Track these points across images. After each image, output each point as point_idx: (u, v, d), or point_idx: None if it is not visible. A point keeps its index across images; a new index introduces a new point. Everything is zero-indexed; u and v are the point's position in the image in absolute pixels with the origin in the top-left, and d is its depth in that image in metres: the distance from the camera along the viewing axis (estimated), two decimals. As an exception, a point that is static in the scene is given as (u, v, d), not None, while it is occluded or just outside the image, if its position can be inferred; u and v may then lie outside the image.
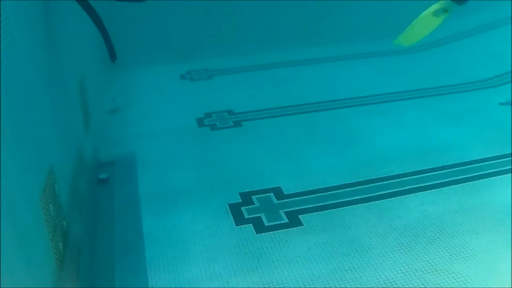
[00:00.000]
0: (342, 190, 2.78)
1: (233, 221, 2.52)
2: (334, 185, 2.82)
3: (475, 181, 2.82)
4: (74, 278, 1.92)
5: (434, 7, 2.71)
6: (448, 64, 4.60)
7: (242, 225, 2.49)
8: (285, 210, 2.60)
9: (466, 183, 2.81)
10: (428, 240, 2.35)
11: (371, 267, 2.19)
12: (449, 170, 2.95)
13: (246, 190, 2.78)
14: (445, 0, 2.68)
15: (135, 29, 4.52)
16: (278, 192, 2.76)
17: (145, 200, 2.72)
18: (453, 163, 3.01)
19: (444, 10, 2.64)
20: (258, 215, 2.57)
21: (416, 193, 2.73)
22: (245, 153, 3.21)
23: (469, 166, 2.99)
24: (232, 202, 2.68)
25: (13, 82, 1.51)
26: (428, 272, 2.15)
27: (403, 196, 2.70)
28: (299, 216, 2.55)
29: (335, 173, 2.93)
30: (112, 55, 2.39)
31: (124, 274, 2.19)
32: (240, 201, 2.69)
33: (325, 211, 2.59)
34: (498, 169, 2.93)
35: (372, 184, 2.82)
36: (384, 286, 2.08)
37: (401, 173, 2.92)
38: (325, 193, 2.75)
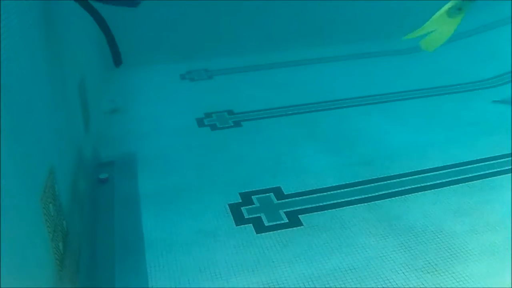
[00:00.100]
0: (342, 190, 2.78)
1: (233, 221, 2.52)
2: (334, 185, 2.82)
3: (475, 181, 2.82)
4: (74, 278, 1.92)
5: (447, 6, 2.60)
6: (448, 64, 4.60)
7: (242, 225, 2.49)
8: (285, 210, 2.60)
9: (466, 183, 2.81)
10: (428, 240, 2.35)
11: (371, 267, 2.19)
12: (449, 170, 2.95)
13: (246, 190, 2.78)
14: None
15: (135, 29, 4.52)
16: (278, 192, 2.76)
17: (145, 200, 2.72)
18: (453, 163, 3.01)
19: (458, 9, 2.55)
20: (258, 215, 2.57)
21: (416, 193, 2.72)
22: (245, 153, 3.21)
23: (469, 166, 2.99)
24: (232, 202, 2.68)
25: (13, 82, 1.51)
26: (428, 272, 2.15)
27: (403, 196, 2.70)
28: (299, 216, 2.55)
29: (335, 173, 2.93)
30: (117, 60, 2.35)
31: (124, 274, 2.19)
32: (240, 201, 2.69)
33: (325, 211, 2.59)
34: (498, 169, 2.93)
35: (372, 184, 2.82)
36: (384, 286, 2.08)
37: (401, 173, 2.92)
38: (325, 193, 2.75)
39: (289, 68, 4.73)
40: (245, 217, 2.56)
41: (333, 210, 2.60)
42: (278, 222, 2.51)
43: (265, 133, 3.49)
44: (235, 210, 2.62)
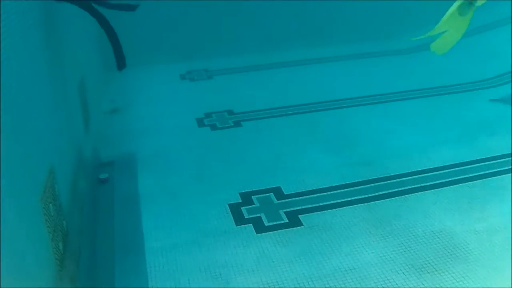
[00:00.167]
0: (342, 190, 2.78)
1: (233, 221, 2.52)
2: (334, 185, 2.82)
3: (475, 181, 2.82)
4: (74, 278, 1.92)
5: (456, 5, 2.51)
6: (448, 64, 4.59)
7: (242, 225, 2.49)
8: (285, 210, 2.60)
9: (466, 183, 2.81)
10: (428, 240, 2.35)
11: (371, 267, 2.19)
12: (449, 170, 2.95)
13: (246, 190, 2.78)
14: None
15: (134, 29, 4.51)
16: (278, 192, 2.76)
17: (145, 200, 2.72)
18: (453, 163, 3.01)
19: (469, 4, 2.46)
20: (258, 215, 2.57)
21: (416, 193, 2.72)
22: (245, 153, 3.21)
23: (469, 166, 2.99)
24: (232, 202, 2.68)
25: (13, 82, 1.51)
26: (428, 272, 2.15)
27: (403, 196, 2.70)
28: (299, 216, 2.55)
29: (335, 173, 2.93)
30: (121, 64, 2.34)
31: (124, 274, 2.19)
32: (240, 201, 2.69)
33: (325, 211, 2.59)
34: (498, 169, 2.93)
35: (372, 184, 2.82)
36: (384, 286, 2.08)
37: (401, 173, 2.92)
38: (325, 193, 2.75)
39: (289, 68, 4.73)
40: (245, 217, 2.56)
41: (333, 210, 2.60)
42: (278, 222, 2.51)
43: (265, 133, 3.49)
44: (235, 210, 2.62)
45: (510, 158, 3.02)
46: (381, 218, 2.52)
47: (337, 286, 2.08)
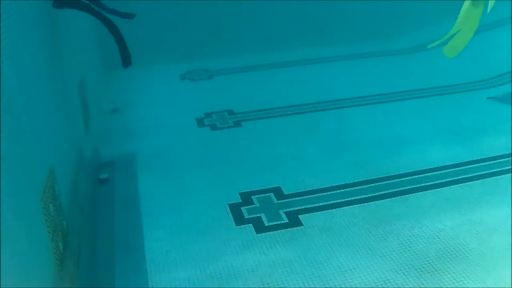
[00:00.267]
0: (342, 190, 2.78)
1: (233, 221, 2.52)
2: (334, 185, 2.82)
3: (475, 181, 2.82)
4: (74, 278, 1.92)
5: (468, 2, 2.56)
6: (448, 64, 4.59)
7: (242, 225, 2.49)
8: (285, 210, 2.60)
9: (466, 183, 2.81)
10: (428, 240, 2.35)
11: (371, 267, 2.19)
12: (449, 170, 2.95)
13: (246, 190, 2.78)
14: None
15: (134, 29, 4.51)
16: (278, 192, 2.76)
17: (145, 200, 2.72)
18: (453, 163, 3.01)
19: None
20: (258, 215, 2.57)
21: (416, 193, 2.72)
22: (245, 153, 3.21)
23: (469, 166, 2.99)
24: (232, 202, 2.68)
25: (13, 82, 1.51)
26: (428, 272, 2.15)
27: (403, 196, 2.70)
28: (299, 216, 2.55)
29: (335, 173, 2.93)
30: (127, 62, 2.38)
31: (124, 274, 2.19)
32: (240, 201, 2.69)
33: (325, 211, 2.59)
34: (498, 169, 2.93)
35: (372, 184, 2.82)
36: (384, 286, 2.08)
37: (401, 173, 2.92)
38: (325, 193, 2.75)
39: (289, 68, 4.73)
40: (245, 217, 2.56)
41: (333, 210, 2.60)
42: (278, 222, 2.51)
43: (265, 133, 3.49)
44: (235, 210, 2.62)
45: (510, 158, 3.02)
46: (381, 218, 2.52)
47: (337, 286, 2.08)
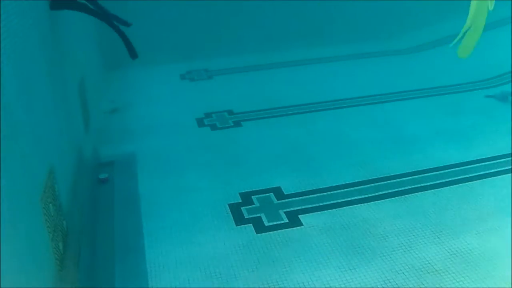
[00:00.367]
0: (342, 190, 2.78)
1: (233, 221, 2.52)
2: (334, 185, 2.82)
3: (474, 181, 2.82)
4: (74, 278, 1.92)
5: None
6: (448, 64, 4.60)
7: (242, 225, 2.49)
8: (285, 210, 2.60)
9: (466, 183, 2.81)
10: (428, 240, 2.35)
11: (371, 267, 2.19)
12: (449, 170, 2.95)
13: (246, 190, 2.78)
14: None
15: (134, 29, 4.51)
16: (278, 192, 2.76)
17: (145, 200, 2.72)
18: (453, 163, 3.02)
19: None
20: (258, 215, 2.57)
21: (416, 193, 2.73)
22: (245, 153, 3.21)
23: (469, 166, 2.99)
24: (232, 202, 2.68)
25: (13, 82, 1.51)
26: (428, 272, 2.15)
27: (403, 196, 2.70)
28: (299, 216, 2.55)
29: (335, 173, 2.93)
30: (133, 54, 2.45)
31: (124, 274, 2.19)
32: (240, 201, 2.69)
33: (325, 211, 2.59)
34: (498, 169, 2.93)
35: (372, 184, 2.83)
36: (384, 286, 2.08)
37: (401, 173, 2.92)
38: (325, 193, 2.75)
39: (289, 68, 4.73)
40: (245, 217, 2.56)
41: (333, 210, 2.60)
42: (278, 222, 2.51)
43: (265, 133, 3.49)
44: (235, 210, 2.62)
45: (510, 158, 3.02)
46: (381, 218, 2.52)
47: (337, 286, 2.08)
